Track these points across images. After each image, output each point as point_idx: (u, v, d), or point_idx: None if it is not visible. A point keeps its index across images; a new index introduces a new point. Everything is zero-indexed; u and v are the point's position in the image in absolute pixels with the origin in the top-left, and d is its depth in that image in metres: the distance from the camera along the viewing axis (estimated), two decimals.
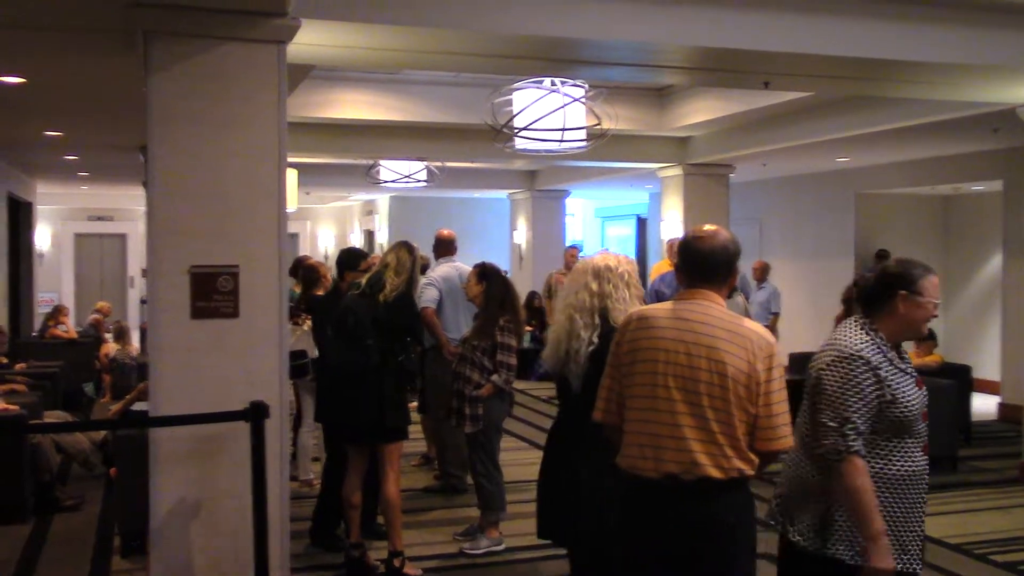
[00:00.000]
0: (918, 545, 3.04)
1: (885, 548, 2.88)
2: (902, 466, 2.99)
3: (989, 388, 10.92)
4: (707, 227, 3.11)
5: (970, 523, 6.37)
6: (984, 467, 7.99)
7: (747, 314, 7.71)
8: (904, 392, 2.98)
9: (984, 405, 10.40)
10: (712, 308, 2.99)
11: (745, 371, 2.88)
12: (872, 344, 3.00)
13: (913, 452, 3.01)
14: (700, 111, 9.85)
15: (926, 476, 3.06)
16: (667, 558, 2.92)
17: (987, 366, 11.14)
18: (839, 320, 7.91)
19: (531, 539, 5.89)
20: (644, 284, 9.11)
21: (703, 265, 3.04)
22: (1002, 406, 10.32)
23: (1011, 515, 6.57)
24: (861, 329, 3.05)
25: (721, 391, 2.88)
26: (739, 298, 7.66)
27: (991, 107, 7.48)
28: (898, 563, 2.96)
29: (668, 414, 2.92)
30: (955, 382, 8.35)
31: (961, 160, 10.95)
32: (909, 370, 3.06)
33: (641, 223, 18.73)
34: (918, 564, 3.03)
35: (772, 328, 10.97)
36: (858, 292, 3.24)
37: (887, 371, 2.97)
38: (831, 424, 2.92)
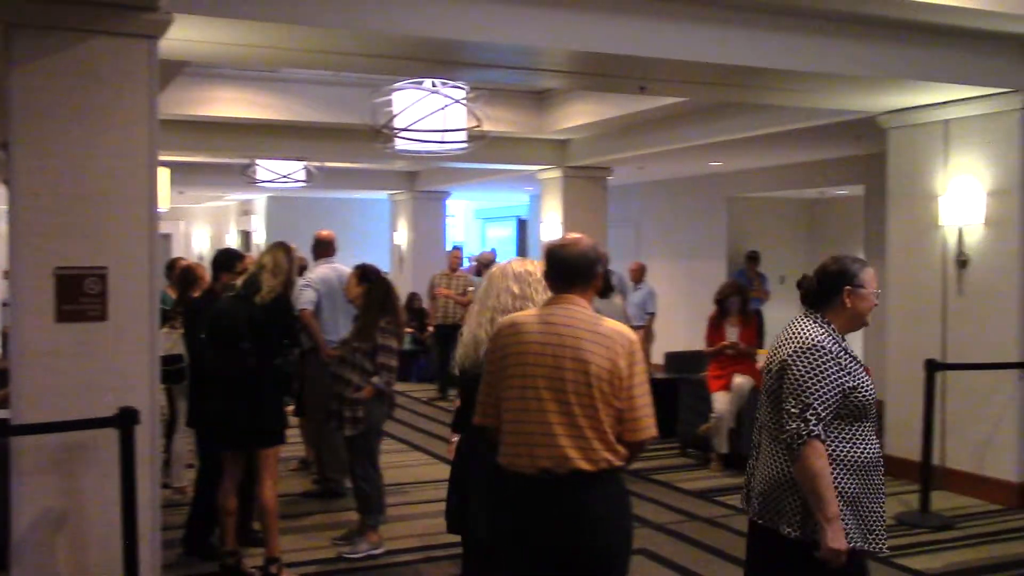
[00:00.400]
0: (881, 525, 3.20)
1: (840, 530, 3.05)
2: (864, 449, 3.17)
3: None
4: (570, 235, 3.30)
5: None
6: None
7: (624, 314, 7.86)
8: (862, 379, 3.17)
9: None
10: (577, 311, 3.15)
11: (608, 368, 3.04)
12: (829, 336, 3.17)
13: (870, 436, 3.20)
14: (579, 114, 10.00)
15: (882, 459, 3.25)
16: (546, 549, 3.07)
17: None
18: (713, 320, 8.17)
19: (411, 542, 5.90)
20: None
21: (567, 271, 3.20)
22: None
23: None
24: (815, 323, 3.22)
25: (587, 388, 3.03)
26: (617, 299, 7.81)
27: (854, 115, 7.83)
28: (864, 544, 3.15)
29: (538, 413, 3.06)
30: None
31: (826, 165, 11.42)
32: (859, 360, 3.23)
33: (522, 225, 18.89)
34: (883, 543, 3.20)
35: (648, 328, 11.22)
36: (803, 292, 3.37)
37: (846, 360, 3.15)
38: (793, 410, 3.08)
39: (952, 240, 7.21)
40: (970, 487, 7.07)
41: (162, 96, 4.85)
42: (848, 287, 3.23)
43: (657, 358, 11.09)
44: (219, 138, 10.42)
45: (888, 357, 7.83)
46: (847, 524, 3.09)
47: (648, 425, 3.11)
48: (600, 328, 3.11)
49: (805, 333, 3.18)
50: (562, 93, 10.00)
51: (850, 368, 3.15)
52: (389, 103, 7.43)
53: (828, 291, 3.26)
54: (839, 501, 3.07)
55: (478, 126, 7.67)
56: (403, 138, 7.57)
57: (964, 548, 5.89)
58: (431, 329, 12.37)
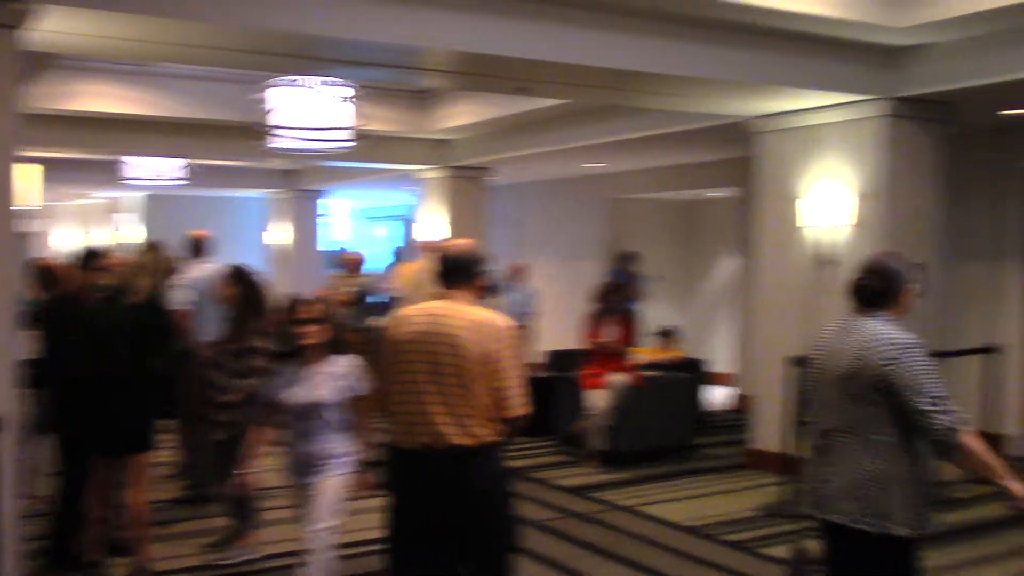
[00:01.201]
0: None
1: (1012, 479, 3.15)
2: None
3: (722, 380, 11.74)
4: (456, 241, 3.73)
5: (702, 507, 6.83)
6: (715, 454, 8.58)
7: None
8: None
9: (718, 396, 11.17)
10: (457, 305, 3.51)
11: (481, 353, 3.38)
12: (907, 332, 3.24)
13: None
14: (461, 114, 10.02)
15: None
16: (431, 520, 3.41)
17: (721, 360, 11.97)
18: (595, 318, 8.25)
19: (284, 546, 5.79)
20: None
21: (450, 270, 3.58)
22: (734, 396, 11.12)
23: (738, 497, 7.10)
24: (886, 324, 3.28)
25: (462, 372, 3.38)
26: (499, 299, 7.85)
27: (727, 119, 8.06)
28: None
29: (419, 395, 3.42)
30: (693, 375, 8.94)
31: (702, 168, 11.72)
32: None
33: (407, 224, 18.78)
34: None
35: (527, 329, 11.27)
36: (868, 294, 3.35)
37: None
38: (927, 408, 3.11)
39: (818, 240, 7.50)
40: None
41: (29, 89, 4.66)
42: (907, 285, 3.36)
43: (540, 357, 11.20)
44: (89, 133, 10.08)
45: (757, 353, 8.10)
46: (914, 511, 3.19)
47: (520, 403, 3.42)
48: (478, 318, 3.45)
49: (892, 335, 3.22)
50: (444, 93, 10.01)
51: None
52: (264, 100, 7.30)
53: (894, 291, 3.33)
54: (921, 485, 3.20)
55: (359, 124, 7.60)
56: (280, 136, 7.45)
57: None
58: None
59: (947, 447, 3.14)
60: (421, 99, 10.44)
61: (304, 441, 4.24)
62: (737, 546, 5.95)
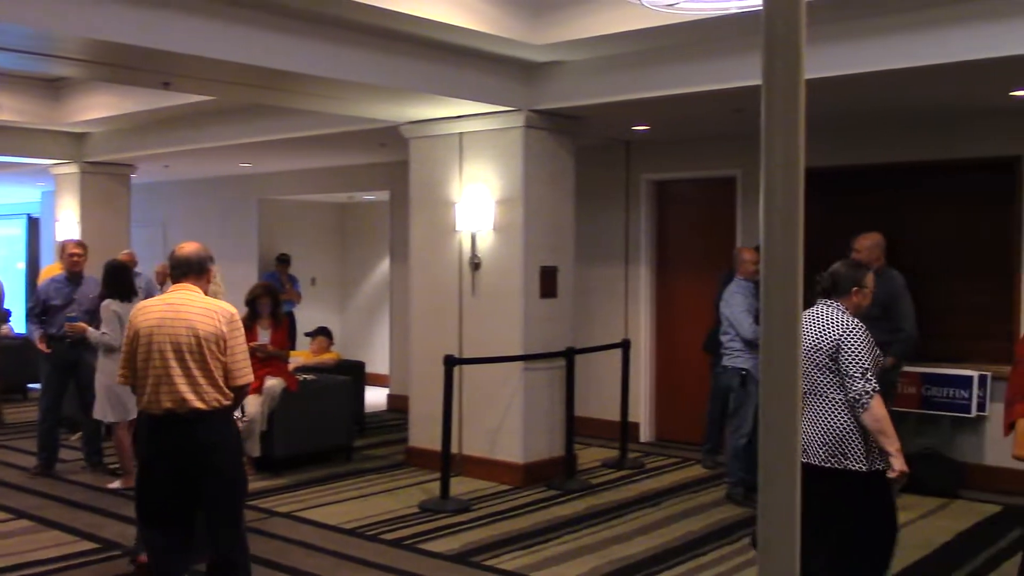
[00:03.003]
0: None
1: (902, 456, 4.09)
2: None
3: (380, 381, 11.91)
4: (187, 243, 4.46)
5: (363, 507, 6.90)
6: (375, 454, 8.70)
7: None
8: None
9: (376, 397, 11.32)
10: (189, 294, 4.29)
11: (213, 333, 4.17)
12: (855, 318, 4.19)
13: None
14: (99, 107, 9.37)
15: None
16: (178, 470, 4.14)
17: (378, 361, 12.13)
18: (244, 322, 8.00)
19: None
20: (35, 287, 8.41)
21: (184, 266, 4.34)
22: (391, 397, 11.33)
23: (398, 496, 7.24)
24: (842, 311, 4.20)
25: (199, 348, 4.14)
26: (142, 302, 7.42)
27: (380, 124, 8.18)
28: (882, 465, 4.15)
29: (163, 368, 4.13)
30: (351, 378, 8.98)
31: (354, 171, 11.80)
32: None
33: (33, 223, 17.22)
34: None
35: None
36: (822, 288, 4.31)
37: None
38: (856, 374, 4.04)
39: (466, 244, 7.82)
40: (484, 471, 7.72)
41: None
42: (856, 287, 4.26)
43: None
44: None
45: (412, 354, 8.30)
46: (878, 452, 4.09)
47: (245, 375, 4.25)
48: (208, 305, 4.25)
49: (843, 318, 4.16)
50: (80, 82, 9.30)
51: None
52: None
53: (843, 289, 4.25)
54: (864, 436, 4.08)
55: None
56: None
57: (479, 527, 6.42)
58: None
59: (859, 407, 4.05)
60: (54, 88, 9.63)
61: None
62: (398, 544, 6.06)
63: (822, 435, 4.17)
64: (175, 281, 4.33)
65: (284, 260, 12.25)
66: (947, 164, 7.66)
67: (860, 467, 4.14)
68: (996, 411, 7.24)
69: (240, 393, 4.30)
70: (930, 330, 7.56)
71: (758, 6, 1.47)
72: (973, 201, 7.64)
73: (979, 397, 7.24)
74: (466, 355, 7.71)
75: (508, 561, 5.72)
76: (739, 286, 7.02)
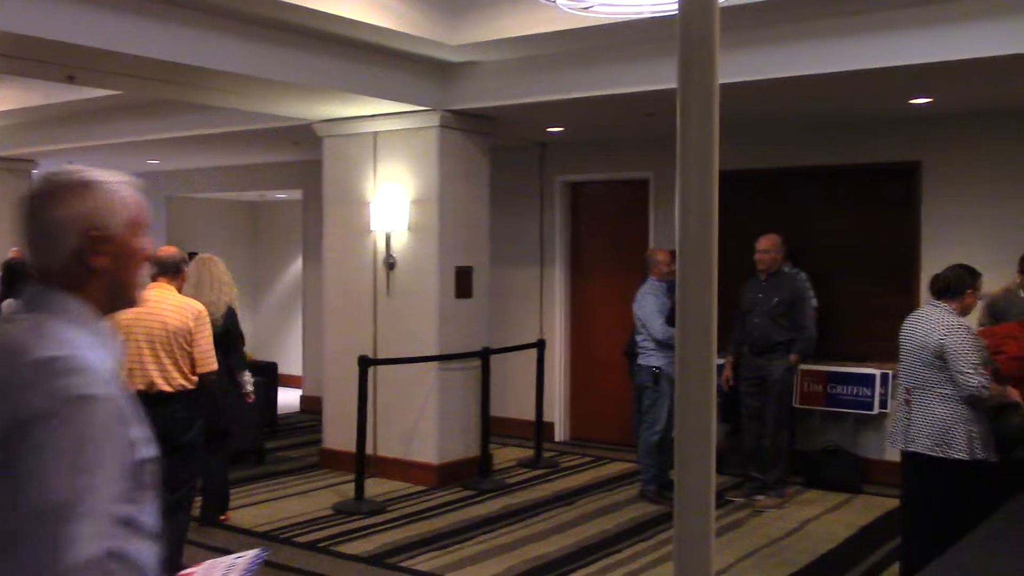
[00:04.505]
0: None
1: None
2: None
3: (292, 382, 11.75)
4: (165, 247, 5.14)
5: (277, 510, 6.80)
6: (288, 456, 8.58)
7: None
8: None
9: (289, 398, 11.17)
10: (163, 292, 4.99)
11: (181, 326, 4.89)
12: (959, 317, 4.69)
13: None
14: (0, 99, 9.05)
15: None
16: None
17: (291, 362, 11.98)
18: None
19: None
20: None
21: (160, 267, 4.99)
22: (304, 398, 11.19)
23: (312, 498, 7.16)
24: (948, 312, 4.67)
25: (169, 339, 4.85)
26: None
27: (292, 121, 8.07)
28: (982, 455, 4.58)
29: (137, 356, 4.79)
30: (263, 378, 8.84)
31: (267, 169, 11.63)
32: None
33: None
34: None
35: None
36: (937, 288, 4.77)
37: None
38: (968, 371, 4.49)
39: (381, 244, 7.77)
40: (399, 472, 7.68)
41: None
42: (970, 290, 4.74)
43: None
44: None
45: (326, 354, 8.21)
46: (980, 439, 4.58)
47: (210, 363, 4.97)
48: (177, 302, 4.97)
49: (949, 319, 4.62)
50: None
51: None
52: None
53: (956, 291, 4.71)
54: (971, 423, 4.56)
55: None
56: None
57: (394, 529, 6.39)
58: None
59: (976, 398, 4.51)
60: None
61: None
62: (313, 546, 5.99)
63: (928, 426, 4.62)
64: (152, 279, 4.93)
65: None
66: (852, 168, 7.89)
67: (962, 456, 4.54)
68: (896, 408, 7.49)
69: (205, 379, 4.97)
70: (835, 330, 7.79)
71: (673, 11, 1.50)
72: (876, 204, 7.88)
73: (881, 395, 7.47)
74: (381, 355, 7.66)
75: (424, 562, 5.70)
76: (651, 287, 7.12)
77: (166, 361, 4.84)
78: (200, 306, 4.99)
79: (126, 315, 4.63)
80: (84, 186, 1.66)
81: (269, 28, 6.12)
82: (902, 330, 4.89)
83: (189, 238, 12.65)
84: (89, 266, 1.64)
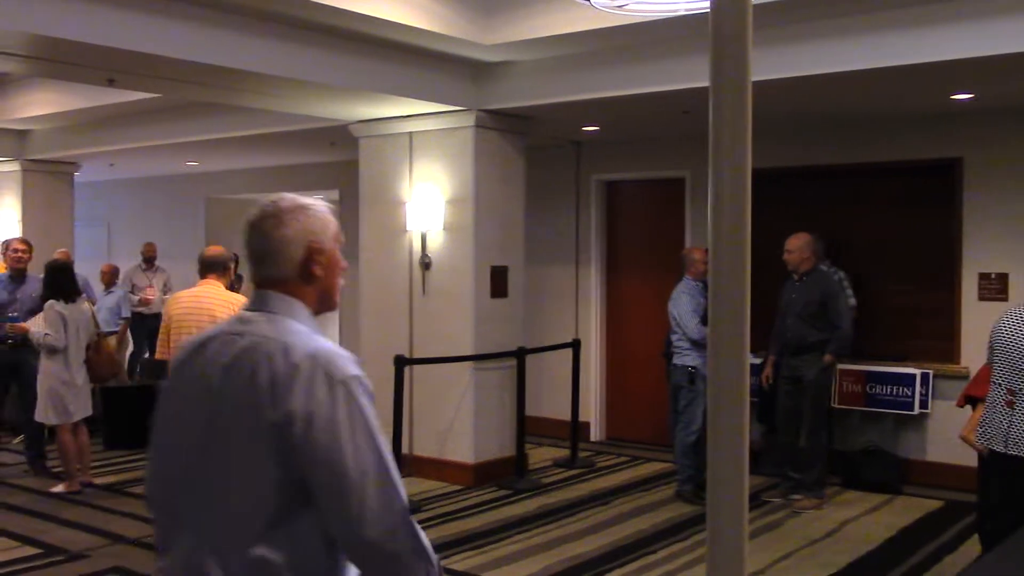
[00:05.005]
0: None
1: None
2: None
3: None
4: (212, 246, 5.67)
5: None
6: None
7: (93, 320, 7.39)
8: None
9: None
10: (212, 288, 5.40)
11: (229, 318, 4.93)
12: None
13: None
14: (41, 103, 9.19)
15: None
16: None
17: None
18: None
19: None
20: None
21: (209, 265, 5.51)
22: None
23: None
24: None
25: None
26: (84, 304, 7.31)
27: (329, 122, 8.12)
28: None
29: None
30: None
31: (304, 169, 11.70)
32: None
33: None
34: None
35: (123, 335, 10.62)
36: None
37: None
38: None
39: (417, 244, 7.79)
40: (435, 471, 7.70)
41: None
42: None
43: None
44: None
45: (362, 354, 8.25)
46: None
47: None
48: (225, 296, 5.34)
49: None
50: (21, 79, 9.10)
51: None
52: None
53: None
54: None
55: None
56: None
57: (430, 528, 6.39)
58: None
59: None
60: None
61: None
62: None
63: None
64: (202, 277, 5.39)
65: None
66: (891, 166, 7.80)
67: None
68: (938, 408, 7.39)
69: None
70: (874, 329, 7.70)
71: (706, 8, 1.49)
72: (916, 202, 7.78)
73: (921, 395, 7.38)
74: (416, 355, 7.68)
75: (459, 561, 5.71)
76: (687, 286, 7.08)
77: None
78: (241, 299, 5.13)
79: (178, 309, 5.23)
80: (302, 209, 1.99)
81: (306, 30, 6.16)
82: (1000, 328, 4.56)
83: (228, 240, 12.76)
84: (310, 274, 1.97)
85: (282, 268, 1.96)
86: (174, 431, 1.93)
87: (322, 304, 2.03)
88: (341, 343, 11.21)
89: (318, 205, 2.04)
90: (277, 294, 1.96)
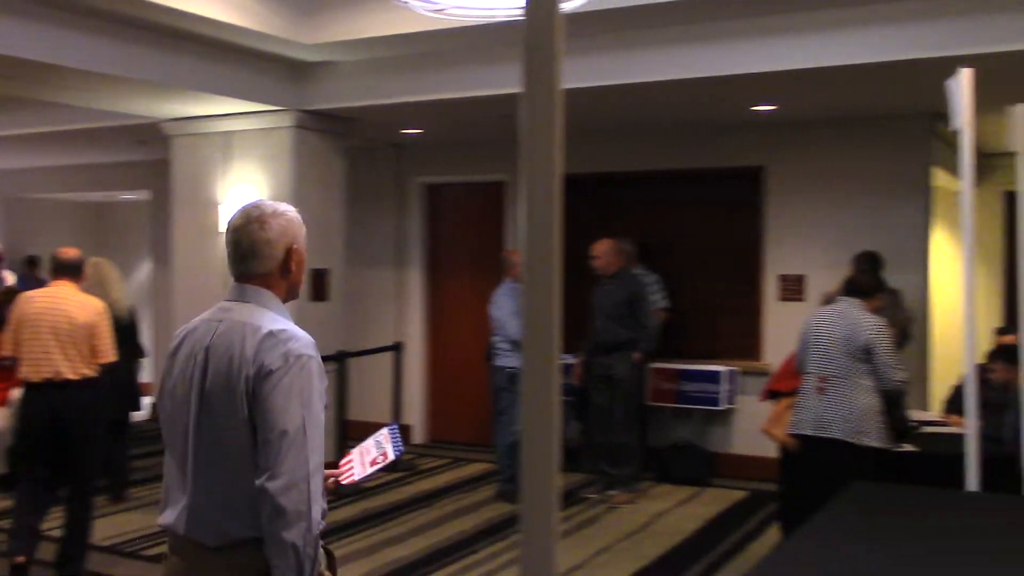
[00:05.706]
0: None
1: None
2: None
3: (145, 390, 11.29)
4: (68, 248, 5.40)
5: (125, 523, 6.54)
6: (136, 466, 8.24)
7: None
8: None
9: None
10: (67, 289, 5.29)
11: (88, 321, 5.21)
12: None
13: None
14: None
15: None
16: (49, 430, 5.19)
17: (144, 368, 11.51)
18: None
19: None
20: None
21: (63, 267, 5.31)
22: (156, 406, 10.78)
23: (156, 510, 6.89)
24: (863, 309, 4.93)
25: (72, 332, 5.17)
26: None
27: (138, 119, 7.79)
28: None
29: (43, 346, 5.15)
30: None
31: (112, 169, 11.19)
32: None
33: None
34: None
35: None
36: (854, 287, 5.05)
37: None
38: (895, 365, 4.83)
39: None
40: None
41: None
42: (879, 293, 5.11)
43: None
44: None
45: None
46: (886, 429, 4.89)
47: (108, 352, 5.29)
48: (79, 299, 5.28)
49: (872, 316, 4.90)
50: None
51: None
52: None
53: (869, 293, 5.01)
54: (881, 414, 4.86)
55: None
56: None
57: None
58: None
59: (897, 389, 4.92)
60: None
61: None
62: (157, 560, 5.79)
63: (846, 414, 4.83)
64: (55, 278, 5.38)
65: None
66: (701, 173, 8.17)
67: (874, 443, 4.81)
68: (743, 403, 7.79)
69: (103, 367, 5.34)
70: (685, 329, 8.04)
71: (523, 16, 1.52)
72: (723, 208, 8.18)
73: (727, 391, 7.75)
74: None
75: None
76: (508, 288, 7.19)
77: (71, 351, 5.21)
78: (101, 303, 5.38)
79: (32, 309, 5.27)
80: (282, 214, 2.39)
81: (113, 23, 5.90)
82: (814, 324, 5.03)
83: (29, 241, 12.05)
84: (287, 271, 2.38)
85: (264, 265, 2.35)
86: (176, 399, 2.35)
87: (290, 294, 2.42)
88: (154, 349, 10.80)
89: (292, 211, 2.44)
90: (253, 287, 2.35)
